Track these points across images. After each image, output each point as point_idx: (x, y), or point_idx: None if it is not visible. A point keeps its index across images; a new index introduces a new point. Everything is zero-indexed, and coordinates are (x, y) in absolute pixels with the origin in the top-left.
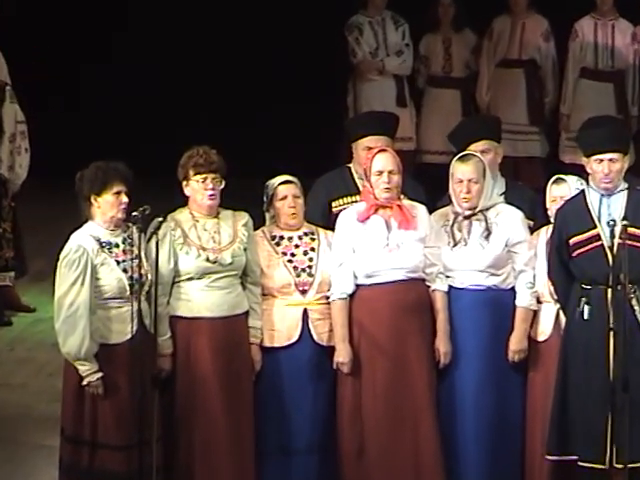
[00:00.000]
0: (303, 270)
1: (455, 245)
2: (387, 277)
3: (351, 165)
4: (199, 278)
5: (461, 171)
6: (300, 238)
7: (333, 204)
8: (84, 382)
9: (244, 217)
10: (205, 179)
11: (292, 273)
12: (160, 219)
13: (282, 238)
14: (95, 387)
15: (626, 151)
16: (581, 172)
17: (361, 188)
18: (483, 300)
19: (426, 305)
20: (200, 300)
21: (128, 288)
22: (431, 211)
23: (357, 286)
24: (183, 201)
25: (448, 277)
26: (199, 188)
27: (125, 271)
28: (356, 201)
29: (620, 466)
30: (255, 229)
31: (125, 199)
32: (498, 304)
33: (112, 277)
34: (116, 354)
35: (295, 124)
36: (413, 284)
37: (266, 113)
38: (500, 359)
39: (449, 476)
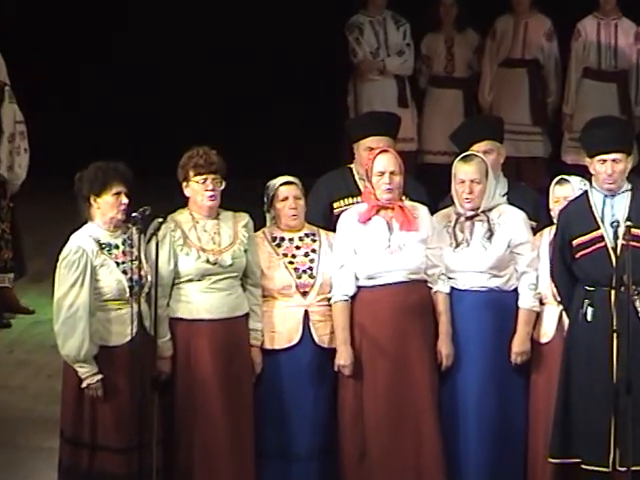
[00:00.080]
0: (304, 272)
1: (457, 246)
2: (389, 279)
3: (352, 166)
4: (199, 280)
5: (463, 171)
6: (301, 239)
7: (334, 205)
8: (84, 384)
9: (244, 218)
10: (205, 180)
11: (293, 275)
12: (160, 220)
13: (283, 239)
14: (95, 389)
15: (629, 151)
16: (584, 173)
17: (362, 189)
18: (485, 302)
19: (428, 307)
20: (200, 302)
21: (128, 290)
22: (433, 212)
23: (358, 288)
24: (183, 202)
25: (450, 278)
26: (199, 189)
27: (125, 272)
28: (357, 202)
29: (623, 469)
30: (256, 230)
31: (125, 200)
32: (500, 306)
33: (112, 279)
34: (116, 356)
35: (295, 124)
36: (415, 286)
37: (266, 113)
38: (502, 361)
39: (451, 478)
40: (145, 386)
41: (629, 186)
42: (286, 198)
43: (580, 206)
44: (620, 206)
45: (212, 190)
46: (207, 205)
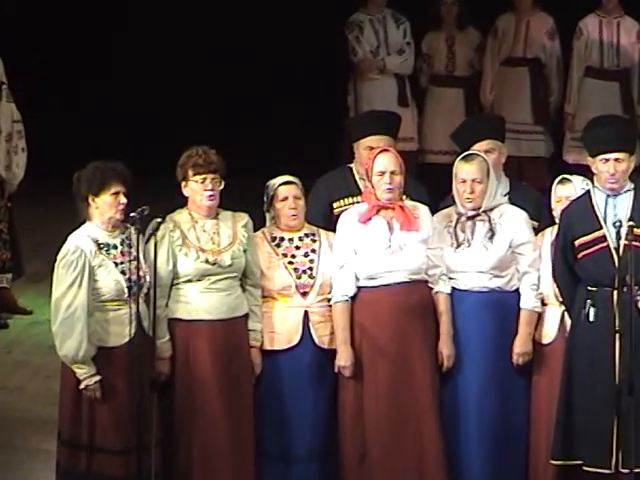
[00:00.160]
0: (304, 272)
1: (458, 246)
2: (389, 279)
3: (352, 165)
4: (198, 280)
5: (465, 171)
6: (301, 239)
7: (334, 205)
8: (82, 385)
9: (244, 218)
10: (204, 179)
11: (293, 275)
12: (159, 220)
13: (282, 239)
14: (93, 390)
15: (632, 151)
16: (586, 172)
17: (362, 189)
18: (487, 302)
19: (429, 307)
20: (199, 302)
21: (126, 290)
22: (434, 212)
23: (359, 288)
24: (182, 202)
25: (451, 279)
26: (198, 189)
27: (123, 273)
28: (357, 202)
29: (626, 470)
30: (256, 230)
31: (123, 200)
32: (502, 306)
33: (110, 279)
34: (114, 357)
35: (295, 124)
36: (416, 286)
37: (266, 113)
38: (504, 362)
39: (452, 479)
40: (144, 387)
41: (631, 186)
42: (286, 198)
43: (582, 206)
44: (622, 206)
45: (211, 190)
46: (206, 205)
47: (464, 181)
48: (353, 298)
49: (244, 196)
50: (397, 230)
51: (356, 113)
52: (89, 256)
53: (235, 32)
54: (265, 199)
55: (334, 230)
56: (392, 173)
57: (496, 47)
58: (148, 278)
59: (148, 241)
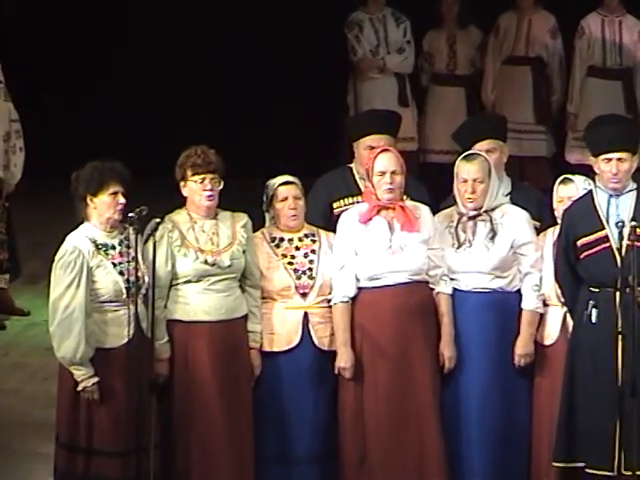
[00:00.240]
0: (304, 272)
1: (459, 247)
2: (390, 280)
3: (352, 165)
4: (197, 281)
5: (466, 170)
6: (300, 240)
7: (334, 205)
8: (79, 387)
9: (243, 218)
10: (203, 179)
11: (292, 276)
12: (157, 220)
13: (282, 240)
14: (91, 392)
15: (635, 150)
16: (588, 172)
17: (363, 189)
18: (488, 303)
19: (430, 308)
20: (198, 303)
21: (125, 291)
22: (435, 212)
23: (359, 289)
24: (181, 202)
25: (452, 279)
26: (197, 189)
27: (122, 274)
28: (358, 202)
29: (628, 473)
30: (255, 230)
31: (122, 200)
32: (504, 307)
33: (108, 280)
34: (112, 358)
35: (295, 124)
36: (416, 287)
37: (266, 113)
38: (506, 363)
39: None
40: (142, 389)
41: (634, 185)
42: (286, 198)
43: (584, 206)
44: (625, 206)
45: (210, 190)
46: (205, 205)
47: (465, 181)
48: (353, 299)
49: (243, 196)
50: (398, 230)
51: (356, 113)
52: (87, 257)
53: (235, 32)
54: (265, 199)
55: (334, 230)
56: (393, 173)
57: (498, 46)
58: (147, 279)
59: (147, 241)
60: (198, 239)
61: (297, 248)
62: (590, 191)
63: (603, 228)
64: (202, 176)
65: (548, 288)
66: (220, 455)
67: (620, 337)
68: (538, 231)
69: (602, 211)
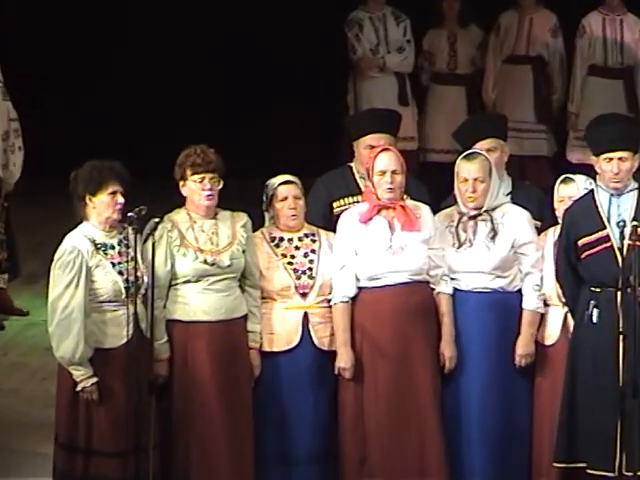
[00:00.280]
0: (303, 272)
1: (460, 246)
2: (390, 280)
3: (352, 164)
4: (196, 281)
5: (466, 170)
6: (300, 240)
7: (334, 204)
8: (78, 387)
9: (243, 218)
10: (203, 179)
11: (292, 275)
12: (157, 220)
13: (282, 239)
14: (90, 392)
15: (636, 149)
16: (589, 171)
17: (363, 188)
18: (489, 303)
19: (430, 308)
20: (197, 303)
21: (124, 291)
22: (435, 211)
23: (359, 289)
24: (180, 201)
25: (453, 279)
26: (196, 188)
27: (121, 273)
28: (358, 201)
29: (629, 473)
30: (255, 229)
31: (121, 199)
32: (504, 307)
33: (107, 280)
34: (111, 358)
35: (295, 124)
36: (417, 287)
37: (266, 113)
38: (506, 363)
39: None
40: (141, 389)
41: (635, 185)
42: (285, 198)
43: (586, 205)
44: (626, 205)
45: (210, 189)
46: (204, 205)
47: (466, 180)
48: (353, 299)
49: (243, 196)
50: (398, 230)
51: (356, 112)
52: (86, 256)
53: (235, 32)
54: (264, 199)
55: (334, 230)
56: (393, 172)
57: (498, 45)
58: (146, 279)
59: (146, 241)
60: (197, 239)
61: (297, 248)
62: (591, 191)
63: (604, 228)
64: (201, 175)
65: (549, 288)
66: (220, 455)
67: (621, 337)
68: (539, 231)
69: (603, 211)
